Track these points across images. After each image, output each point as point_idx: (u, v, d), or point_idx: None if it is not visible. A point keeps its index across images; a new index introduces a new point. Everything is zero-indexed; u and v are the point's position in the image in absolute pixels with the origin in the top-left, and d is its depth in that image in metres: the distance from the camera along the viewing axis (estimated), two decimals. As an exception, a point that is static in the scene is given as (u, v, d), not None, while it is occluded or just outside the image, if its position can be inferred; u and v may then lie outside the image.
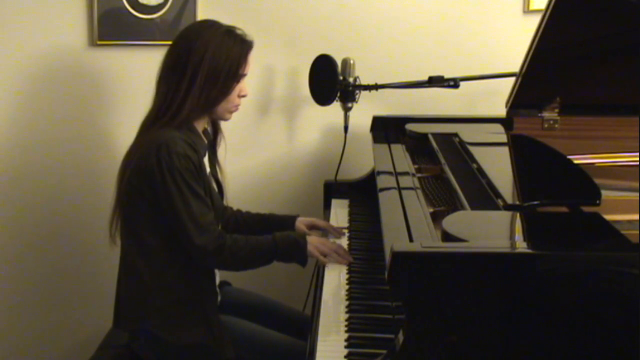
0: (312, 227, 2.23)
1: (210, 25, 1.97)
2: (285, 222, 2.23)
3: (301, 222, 2.23)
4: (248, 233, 2.21)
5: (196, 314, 1.94)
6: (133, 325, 1.97)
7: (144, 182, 1.89)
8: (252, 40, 1.99)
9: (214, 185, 2.07)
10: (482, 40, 2.79)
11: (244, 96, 2.02)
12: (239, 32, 1.97)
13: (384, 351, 1.35)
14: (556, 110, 2.31)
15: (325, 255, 1.99)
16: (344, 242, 2.15)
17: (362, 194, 2.50)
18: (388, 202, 1.86)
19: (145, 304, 1.94)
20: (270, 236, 1.98)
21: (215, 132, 2.14)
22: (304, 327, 1.87)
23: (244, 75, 1.98)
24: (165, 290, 1.93)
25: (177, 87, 1.91)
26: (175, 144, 1.86)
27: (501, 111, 2.36)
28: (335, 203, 2.51)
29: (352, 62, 2.57)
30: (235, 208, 2.28)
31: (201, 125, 2.02)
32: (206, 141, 2.05)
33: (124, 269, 2.00)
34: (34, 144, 2.48)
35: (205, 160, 2.03)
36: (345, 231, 2.23)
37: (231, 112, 2.03)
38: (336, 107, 2.61)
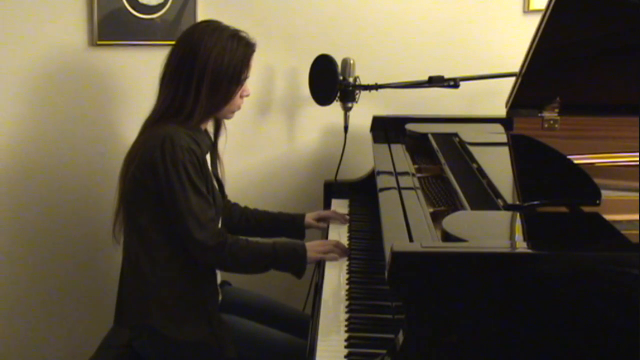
0: (320, 219, 2.29)
1: (215, 28, 1.96)
2: (294, 220, 2.28)
3: (309, 217, 2.28)
4: (258, 230, 2.26)
5: (198, 310, 1.94)
6: (134, 321, 1.97)
7: (148, 175, 1.89)
8: (255, 43, 2.00)
9: (215, 184, 2.07)
10: (482, 40, 2.79)
11: (246, 96, 2.04)
12: (242, 35, 1.98)
13: (384, 351, 1.35)
14: (556, 110, 2.31)
15: (327, 253, 2.00)
16: (344, 242, 2.15)
17: (362, 194, 2.50)
18: (388, 202, 1.86)
19: (147, 299, 1.94)
20: (271, 242, 1.99)
21: (217, 128, 2.14)
22: (304, 326, 1.87)
23: (246, 78, 1.99)
24: (167, 285, 1.94)
25: (185, 93, 1.92)
26: (180, 137, 1.88)
27: (501, 111, 2.36)
28: (335, 203, 2.52)
29: (352, 62, 2.57)
30: (243, 205, 2.29)
31: (205, 124, 2.03)
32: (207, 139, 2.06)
33: (127, 265, 2.00)
34: (34, 143, 2.48)
35: (207, 158, 2.03)
36: (347, 217, 2.31)
37: (233, 112, 2.05)
38: (336, 107, 2.61)
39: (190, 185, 1.87)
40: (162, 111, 1.95)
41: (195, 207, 1.88)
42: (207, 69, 1.91)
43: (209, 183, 1.95)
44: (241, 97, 2.02)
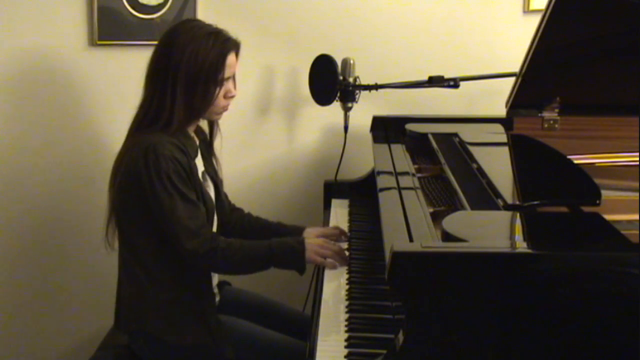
0: (320, 236, 2.14)
1: (190, 27, 1.90)
2: (293, 233, 2.17)
3: (310, 233, 2.15)
4: (253, 239, 2.20)
5: (194, 314, 1.94)
6: (132, 326, 1.97)
7: (134, 186, 1.87)
8: (236, 42, 1.93)
9: (210, 184, 2.06)
10: (482, 40, 2.79)
11: (231, 97, 1.97)
12: (221, 34, 1.90)
13: (384, 351, 1.35)
14: (556, 110, 2.31)
15: (325, 258, 1.98)
16: (344, 243, 2.14)
17: (362, 194, 2.50)
18: (388, 202, 1.86)
19: (142, 305, 1.94)
20: (267, 241, 1.94)
21: (211, 127, 2.10)
22: (304, 327, 1.87)
23: (226, 78, 1.92)
24: (161, 291, 1.93)
25: (162, 95, 1.87)
26: (163, 146, 1.84)
27: (501, 111, 2.36)
28: (335, 203, 2.51)
29: (352, 62, 2.57)
30: (246, 211, 2.26)
31: (192, 126, 2.00)
32: (198, 141, 2.02)
33: (122, 271, 1.99)
34: (33, 144, 2.47)
35: (199, 160, 2.01)
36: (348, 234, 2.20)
37: (219, 114, 1.99)
38: (336, 107, 2.61)
39: (177, 194, 1.84)
40: (141, 115, 1.91)
41: (184, 217, 1.84)
42: (180, 69, 1.85)
43: (198, 189, 1.92)
44: (225, 98, 1.95)
